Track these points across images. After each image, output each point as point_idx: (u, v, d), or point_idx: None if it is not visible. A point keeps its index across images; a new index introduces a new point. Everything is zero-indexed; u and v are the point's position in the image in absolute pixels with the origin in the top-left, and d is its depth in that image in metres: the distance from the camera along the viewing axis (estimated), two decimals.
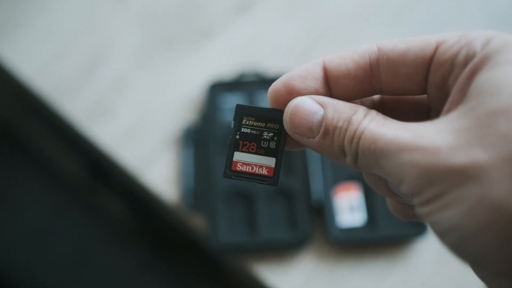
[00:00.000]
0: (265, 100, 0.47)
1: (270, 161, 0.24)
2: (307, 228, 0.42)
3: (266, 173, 0.24)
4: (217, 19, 0.54)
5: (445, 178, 0.18)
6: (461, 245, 0.19)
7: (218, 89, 0.49)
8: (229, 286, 0.64)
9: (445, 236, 0.19)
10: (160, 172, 0.47)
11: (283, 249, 0.42)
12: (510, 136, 0.18)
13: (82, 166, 0.74)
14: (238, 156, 0.24)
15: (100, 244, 0.66)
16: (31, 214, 0.66)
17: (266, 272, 0.42)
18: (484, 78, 0.19)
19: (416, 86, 0.23)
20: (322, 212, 0.43)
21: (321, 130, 0.22)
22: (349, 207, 0.43)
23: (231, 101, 0.48)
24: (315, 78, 0.23)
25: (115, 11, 0.54)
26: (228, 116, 0.48)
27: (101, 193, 0.74)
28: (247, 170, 0.24)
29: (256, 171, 0.24)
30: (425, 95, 0.24)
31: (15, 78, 0.53)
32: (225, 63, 0.51)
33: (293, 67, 0.49)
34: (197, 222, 0.45)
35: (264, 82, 0.49)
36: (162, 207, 0.48)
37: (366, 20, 0.54)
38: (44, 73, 0.52)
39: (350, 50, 0.24)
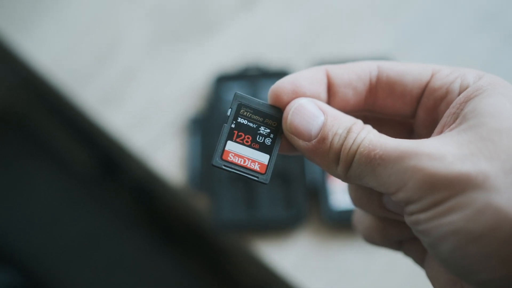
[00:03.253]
0: (267, 94, 0.50)
1: (264, 158, 0.24)
2: (303, 207, 0.46)
3: (258, 168, 0.23)
4: (222, 13, 0.57)
5: (451, 184, 0.19)
6: (461, 249, 0.19)
7: (223, 80, 0.52)
8: (229, 262, 0.67)
9: (444, 240, 0.19)
10: (167, 157, 0.50)
11: (280, 227, 0.46)
12: None
13: (93, 155, 0.77)
14: (231, 146, 0.23)
15: (109, 228, 0.69)
16: (43, 199, 0.69)
17: (264, 248, 0.45)
18: (482, 104, 0.20)
19: (408, 107, 0.24)
20: (317, 194, 0.47)
21: (319, 135, 0.22)
22: (342, 190, 0.46)
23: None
24: (319, 83, 0.24)
25: (127, 5, 0.58)
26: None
27: (110, 181, 0.77)
28: (239, 162, 0.23)
29: (248, 165, 0.23)
30: (407, 122, 0.26)
31: (31, 68, 0.56)
32: (230, 55, 0.54)
33: (295, 60, 0.53)
34: (201, 203, 0.48)
35: (267, 74, 0.52)
36: (169, 190, 0.51)
37: (363, 16, 0.57)
38: (59, 63, 0.55)
39: (352, 63, 0.25)
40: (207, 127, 0.50)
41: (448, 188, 0.19)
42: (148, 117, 0.52)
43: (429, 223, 0.19)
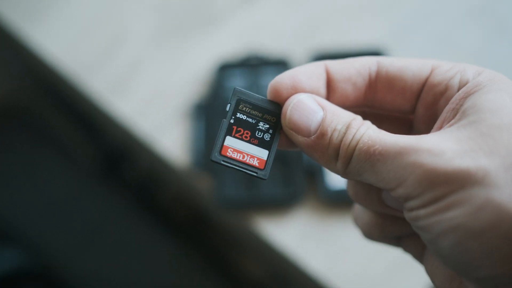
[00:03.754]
0: (267, 81, 0.53)
1: (263, 153, 0.24)
2: (300, 185, 0.48)
3: (257, 164, 0.24)
4: (224, 7, 0.59)
5: (450, 180, 0.19)
6: (461, 245, 0.19)
7: (225, 69, 0.55)
8: (231, 241, 0.70)
9: (444, 236, 0.19)
10: (172, 141, 0.53)
11: (279, 204, 0.48)
12: None
13: (99, 146, 0.80)
14: (230, 141, 0.24)
15: (114, 216, 0.71)
16: (52, 188, 0.72)
17: (264, 225, 0.48)
18: (482, 99, 0.20)
19: (407, 102, 0.24)
20: (314, 174, 0.49)
21: (318, 131, 0.22)
22: None
23: (237, 81, 0.54)
24: (319, 78, 0.24)
25: (134, 0, 0.60)
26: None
27: (116, 172, 0.80)
28: (237, 157, 0.23)
29: (247, 161, 0.23)
30: (407, 118, 0.26)
31: (41, 59, 0.58)
32: (231, 46, 0.57)
33: (294, 50, 0.55)
34: (204, 183, 0.51)
35: (267, 63, 0.54)
36: (173, 172, 0.54)
37: (360, 9, 0.59)
38: (68, 54, 0.58)
39: (351, 59, 0.24)
40: (210, 112, 0.53)
41: (447, 184, 0.19)
42: (153, 104, 0.55)
43: (429, 219, 0.19)
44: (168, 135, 0.53)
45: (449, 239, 0.19)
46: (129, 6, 0.60)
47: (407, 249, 0.26)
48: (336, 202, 0.48)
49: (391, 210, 0.24)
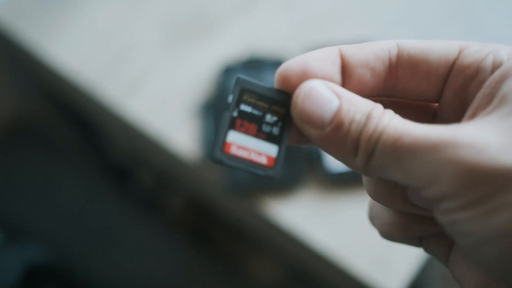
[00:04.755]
0: (272, 79, 0.58)
1: (271, 149, 0.21)
2: (302, 166, 0.53)
3: (265, 162, 0.21)
4: (223, 16, 0.65)
5: (495, 179, 0.17)
6: (508, 255, 0.17)
7: (229, 71, 0.60)
8: (239, 237, 0.73)
9: (489, 243, 0.17)
10: (183, 137, 0.58)
11: (282, 185, 0.53)
12: None
13: (111, 156, 0.84)
14: (234, 136, 0.21)
15: (128, 218, 0.75)
16: (67, 195, 0.76)
17: (270, 206, 0.52)
18: None
19: (433, 88, 0.22)
20: (314, 159, 0.54)
21: (334, 122, 0.20)
22: None
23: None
24: (333, 63, 0.21)
25: (139, 14, 0.66)
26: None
27: (127, 181, 0.84)
28: (242, 155, 0.21)
29: (254, 158, 0.21)
30: (430, 106, 0.24)
31: (55, 70, 0.63)
32: (233, 50, 0.62)
33: (292, 50, 0.61)
34: (214, 174, 0.55)
35: (268, 63, 0.60)
36: (185, 166, 0.58)
37: (349, 12, 0.65)
38: (81, 63, 0.63)
39: (368, 43, 0.22)
40: (217, 111, 0.58)
41: (493, 183, 0.17)
42: (164, 106, 0.60)
43: (470, 224, 0.17)
44: (178, 133, 0.58)
45: (496, 247, 0.17)
46: (138, 17, 0.65)
47: (429, 249, 0.23)
48: (336, 184, 0.53)
49: (418, 209, 0.22)
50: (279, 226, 0.53)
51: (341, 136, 0.20)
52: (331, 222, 0.52)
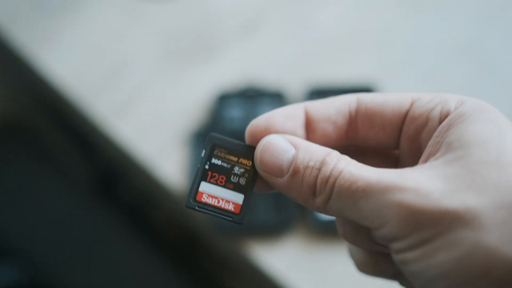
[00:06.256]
0: (264, 112, 0.55)
1: (238, 198, 0.23)
2: (292, 213, 0.51)
3: (232, 209, 0.23)
4: (225, 37, 0.62)
5: (437, 221, 0.18)
6: None
7: (224, 99, 0.57)
8: (224, 267, 0.72)
9: (433, 283, 0.18)
10: (171, 166, 0.55)
11: (271, 231, 0.50)
12: (501, 185, 0.18)
13: (97, 167, 0.82)
14: (205, 187, 0.23)
15: (109, 235, 0.73)
16: (50, 206, 0.74)
17: (256, 251, 0.50)
18: (468, 132, 0.19)
19: (390, 137, 0.24)
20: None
21: (291, 169, 0.22)
22: None
23: (235, 111, 0.57)
24: (296, 120, 0.24)
25: (138, 27, 0.63)
26: (231, 124, 0.56)
27: (111, 192, 0.82)
28: (212, 203, 0.23)
29: (222, 206, 0.23)
30: (393, 153, 0.25)
31: (46, 81, 0.61)
32: (231, 75, 0.59)
33: (291, 81, 0.58)
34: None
35: (264, 94, 0.57)
36: (170, 197, 0.56)
37: (354, 43, 0.62)
38: (74, 76, 0.60)
39: (331, 99, 0.24)
40: None
41: (435, 225, 0.18)
42: (154, 129, 0.57)
43: (417, 264, 0.19)
44: (166, 160, 0.56)
45: (439, 286, 0.18)
46: (134, 33, 0.63)
47: (404, 284, 0.25)
48: (327, 231, 0.50)
49: (383, 248, 0.23)
50: (262, 271, 0.50)
51: (297, 181, 0.22)
52: (316, 274, 0.49)
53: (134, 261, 0.72)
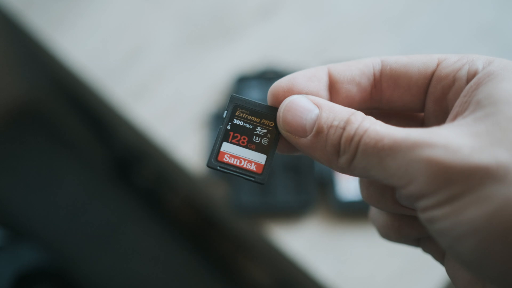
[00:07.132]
0: None
1: (260, 158, 0.23)
2: (312, 193, 0.50)
3: (254, 169, 0.23)
4: (243, 20, 0.62)
5: (468, 177, 0.18)
6: (483, 249, 0.18)
7: (243, 81, 0.57)
8: (240, 244, 0.72)
9: (463, 240, 0.18)
10: (190, 148, 0.55)
11: (291, 212, 0.50)
12: None
13: (114, 151, 0.82)
14: (227, 147, 0.23)
15: (127, 219, 0.74)
16: (68, 189, 0.74)
17: (277, 232, 0.50)
18: (497, 89, 0.19)
19: (415, 99, 0.23)
20: (325, 185, 0.51)
21: (314, 129, 0.22)
22: (348, 181, 0.51)
23: (254, 92, 0.56)
24: (319, 81, 0.23)
25: (155, 10, 0.63)
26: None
27: (128, 177, 0.82)
28: (234, 163, 0.23)
29: (244, 166, 0.23)
30: (417, 115, 0.25)
31: (64, 64, 0.61)
32: (249, 58, 0.59)
33: (309, 64, 0.58)
34: (219, 191, 0.53)
35: (282, 76, 0.57)
36: (189, 178, 0.56)
37: (373, 26, 0.62)
38: (92, 60, 0.60)
39: (355, 61, 0.24)
40: None
41: (466, 181, 0.18)
42: (173, 112, 0.57)
43: (446, 222, 0.18)
44: (185, 142, 0.56)
45: (468, 243, 0.18)
46: (153, 16, 0.62)
47: (426, 250, 0.25)
48: (347, 212, 0.50)
49: (408, 211, 0.23)
50: (282, 252, 0.50)
51: (321, 141, 0.21)
52: (336, 255, 0.49)
53: (152, 244, 0.72)
